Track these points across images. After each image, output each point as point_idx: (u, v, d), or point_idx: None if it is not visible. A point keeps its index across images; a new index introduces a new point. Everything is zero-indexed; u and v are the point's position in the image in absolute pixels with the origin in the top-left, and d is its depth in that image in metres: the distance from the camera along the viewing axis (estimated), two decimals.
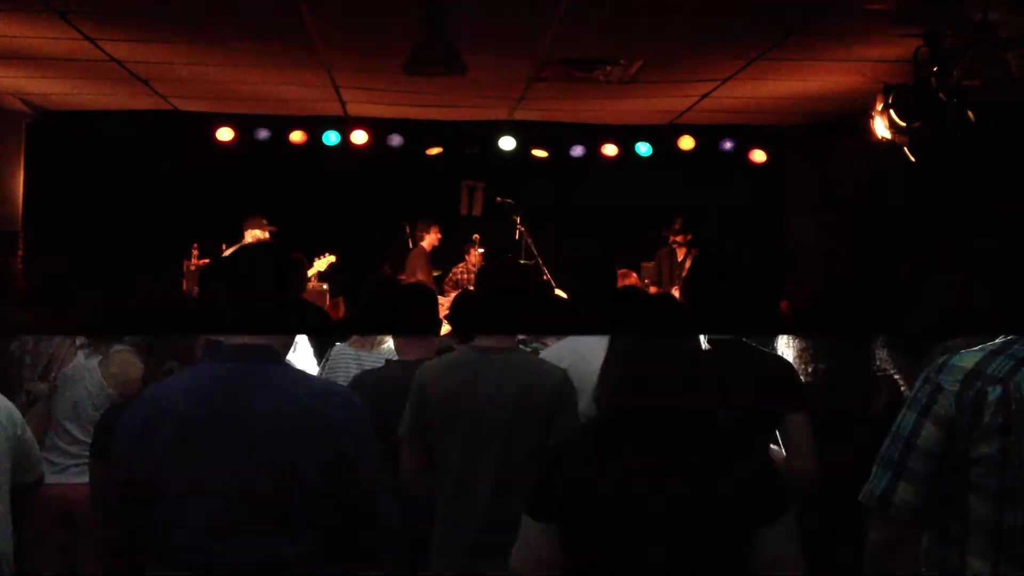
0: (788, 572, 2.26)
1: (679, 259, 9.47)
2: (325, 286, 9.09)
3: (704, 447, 2.28)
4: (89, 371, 4.21)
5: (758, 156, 10.78)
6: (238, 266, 2.57)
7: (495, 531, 2.98)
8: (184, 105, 9.82)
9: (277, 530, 2.22)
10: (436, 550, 3.25)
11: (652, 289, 8.77)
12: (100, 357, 4.21)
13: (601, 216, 10.37)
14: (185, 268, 9.27)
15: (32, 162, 10.03)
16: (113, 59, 7.66)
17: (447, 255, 9.97)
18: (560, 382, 3.28)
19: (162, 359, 3.52)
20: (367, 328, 4.61)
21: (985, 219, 7.39)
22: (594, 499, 2.27)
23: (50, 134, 10.03)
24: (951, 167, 7.64)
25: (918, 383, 2.24)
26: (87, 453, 3.87)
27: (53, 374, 4.60)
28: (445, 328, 4.66)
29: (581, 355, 3.40)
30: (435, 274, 9.71)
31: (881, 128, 6.60)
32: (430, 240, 9.75)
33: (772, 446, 3.23)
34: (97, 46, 7.21)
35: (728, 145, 10.70)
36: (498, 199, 9.85)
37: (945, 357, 2.24)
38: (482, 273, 3.93)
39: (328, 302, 8.87)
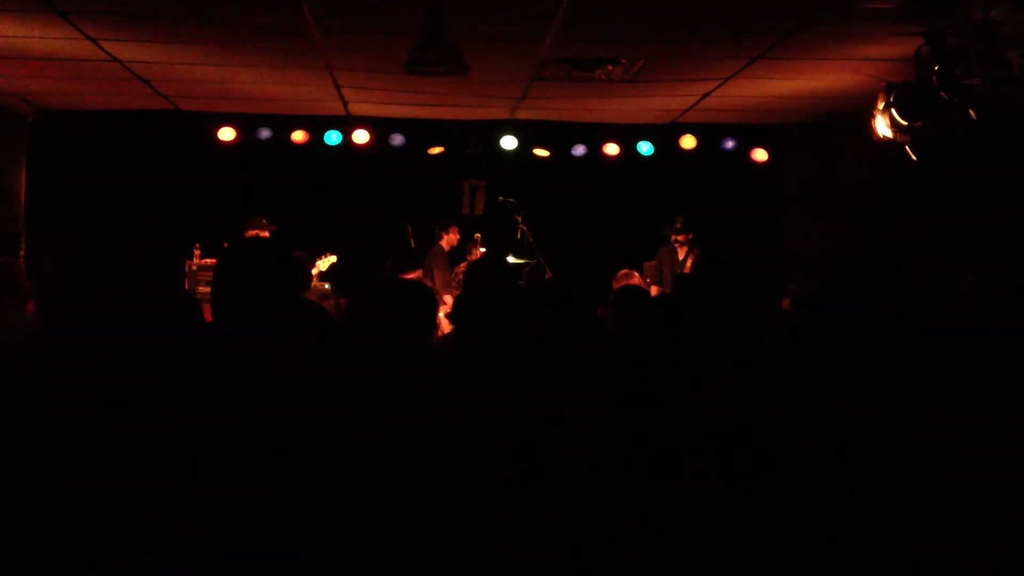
0: None
1: (680, 258, 9.49)
2: (327, 286, 9.09)
3: None
4: None
5: (759, 155, 10.80)
6: (245, 260, 2.55)
7: None
8: (185, 105, 9.83)
9: None
10: None
11: (653, 289, 8.78)
12: None
13: (603, 215, 10.38)
14: (186, 268, 9.28)
15: (34, 162, 10.05)
16: (115, 59, 7.66)
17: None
18: None
19: None
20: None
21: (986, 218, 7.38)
22: None
23: (52, 134, 10.04)
24: (952, 166, 7.63)
25: None
26: None
27: None
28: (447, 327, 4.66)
29: None
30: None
31: (882, 127, 6.59)
32: (448, 240, 9.78)
33: None
34: (99, 46, 7.21)
35: (729, 144, 10.71)
36: (500, 198, 9.86)
37: None
38: (466, 274, 3.94)
39: (335, 303, 8.85)
